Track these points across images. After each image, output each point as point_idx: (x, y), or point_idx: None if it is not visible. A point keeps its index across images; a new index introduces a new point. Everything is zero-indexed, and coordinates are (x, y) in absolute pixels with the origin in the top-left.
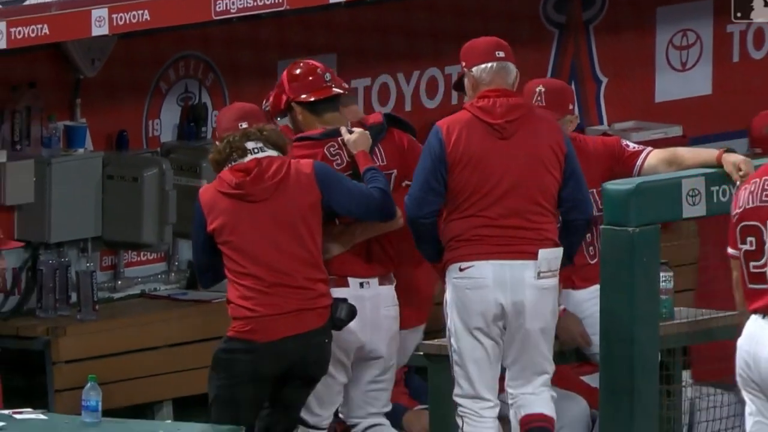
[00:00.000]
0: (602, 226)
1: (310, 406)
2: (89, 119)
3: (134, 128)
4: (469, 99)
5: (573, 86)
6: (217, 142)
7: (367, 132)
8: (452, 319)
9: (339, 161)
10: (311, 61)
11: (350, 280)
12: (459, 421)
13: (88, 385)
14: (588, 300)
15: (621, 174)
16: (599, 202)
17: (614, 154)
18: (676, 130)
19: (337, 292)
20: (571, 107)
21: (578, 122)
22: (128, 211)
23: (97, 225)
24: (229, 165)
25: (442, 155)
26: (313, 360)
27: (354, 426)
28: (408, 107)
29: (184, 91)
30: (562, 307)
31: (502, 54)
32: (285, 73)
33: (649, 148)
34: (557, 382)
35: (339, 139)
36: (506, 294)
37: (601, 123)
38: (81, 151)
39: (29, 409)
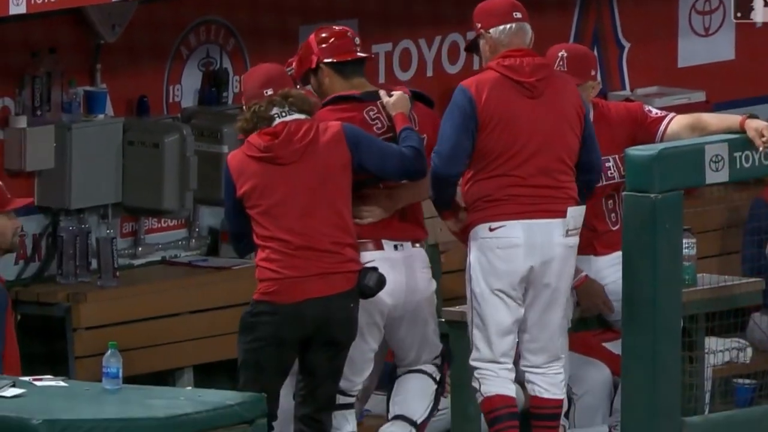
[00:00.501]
0: (624, 193)
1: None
2: (110, 84)
3: (155, 94)
4: (485, 61)
5: (595, 51)
6: (244, 107)
7: (407, 96)
8: (477, 281)
9: (379, 125)
10: (341, 27)
11: (384, 242)
12: (476, 384)
13: (109, 351)
14: (610, 267)
15: (643, 140)
16: (622, 169)
17: (637, 120)
18: (699, 96)
19: (372, 255)
20: (593, 73)
21: (600, 88)
22: (149, 177)
23: (118, 191)
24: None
25: (473, 113)
26: (338, 323)
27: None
28: (430, 73)
29: (206, 56)
30: (583, 273)
31: (519, 15)
32: (312, 36)
33: (672, 114)
34: (579, 348)
35: (378, 102)
36: (535, 254)
37: (624, 88)
38: (101, 116)
39: (49, 376)
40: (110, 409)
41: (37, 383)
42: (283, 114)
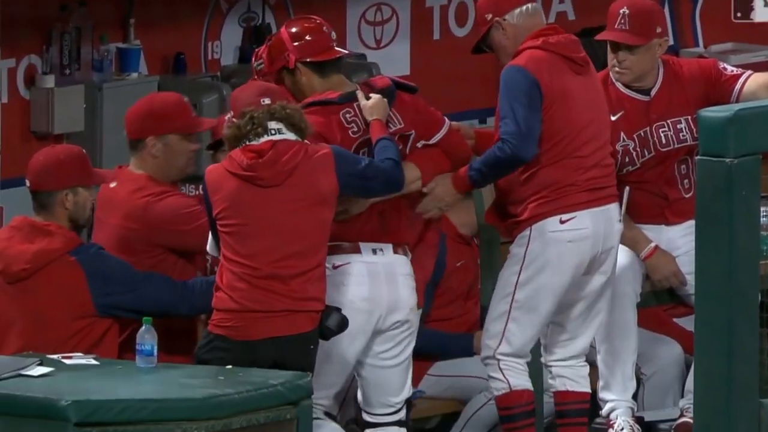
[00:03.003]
0: (698, 157)
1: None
2: (143, 41)
3: (192, 50)
4: (505, 53)
5: (665, 6)
6: (234, 119)
7: (385, 99)
8: (533, 274)
9: (355, 129)
10: (315, 18)
11: (362, 245)
12: (498, 375)
13: (143, 327)
14: (682, 236)
15: (718, 100)
16: (694, 131)
17: (710, 79)
18: None
19: (349, 257)
20: (659, 30)
21: (669, 44)
22: None
23: None
24: (244, 143)
25: (537, 93)
26: (295, 365)
27: (373, 425)
28: None
29: (247, 10)
30: (653, 244)
31: None
32: (284, 30)
33: (749, 72)
34: (649, 325)
35: (355, 104)
36: (599, 244)
37: (697, 45)
38: (135, 75)
39: (79, 354)
40: (144, 389)
41: (67, 361)
42: (274, 132)
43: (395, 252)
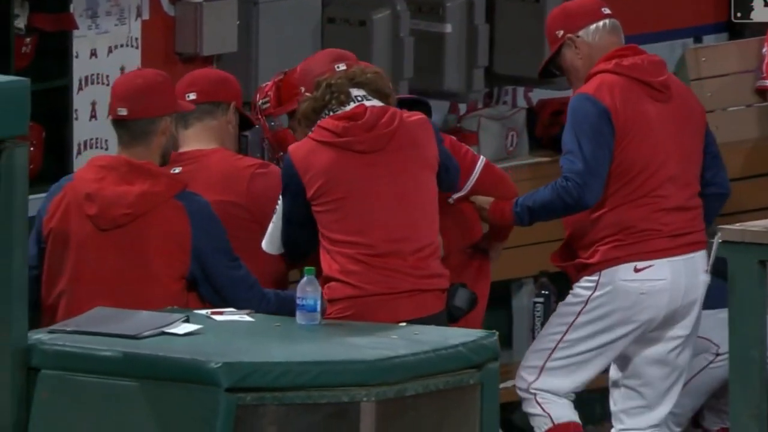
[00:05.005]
0: None
1: None
2: None
3: None
4: (577, 75)
5: None
6: (308, 93)
7: None
8: (594, 322)
9: None
10: (326, 54)
11: None
12: (535, 410)
13: (305, 279)
14: None
15: None
16: None
17: None
18: None
19: None
20: None
21: None
22: None
23: None
24: (326, 114)
25: (607, 124)
26: None
27: None
28: None
29: None
30: None
31: (608, 10)
32: (297, 75)
33: None
34: None
35: None
36: (678, 298)
37: None
38: None
39: (232, 309)
40: (306, 350)
41: (217, 317)
42: (359, 98)
43: None
